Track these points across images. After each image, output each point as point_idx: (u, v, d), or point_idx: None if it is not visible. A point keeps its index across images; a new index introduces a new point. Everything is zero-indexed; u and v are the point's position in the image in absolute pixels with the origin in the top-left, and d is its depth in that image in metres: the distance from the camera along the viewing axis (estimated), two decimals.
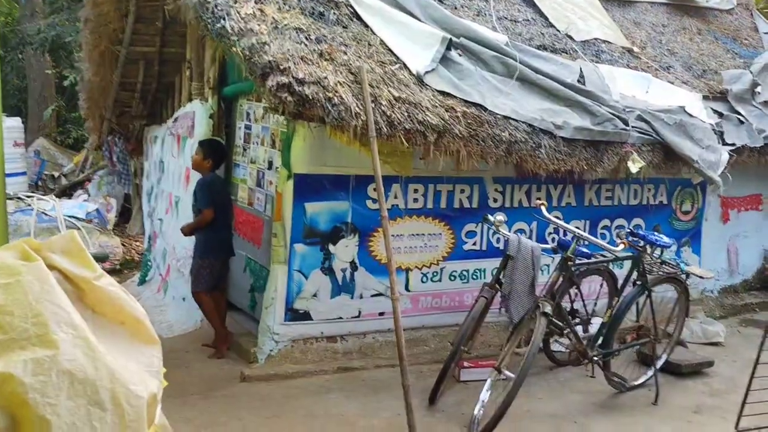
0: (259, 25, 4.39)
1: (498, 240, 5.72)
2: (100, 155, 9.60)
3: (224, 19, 4.36)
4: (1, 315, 1.66)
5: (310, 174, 4.90)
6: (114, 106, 7.79)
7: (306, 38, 4.52)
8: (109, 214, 10.78)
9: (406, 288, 5.43)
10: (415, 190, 5.35)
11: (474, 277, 5.70)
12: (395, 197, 5.26)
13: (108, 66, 7.01)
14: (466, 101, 4.91)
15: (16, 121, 11.64)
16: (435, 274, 5.55)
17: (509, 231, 5.55)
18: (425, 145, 4.52)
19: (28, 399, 1.56)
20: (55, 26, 12.06)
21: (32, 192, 11.86)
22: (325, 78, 4.24)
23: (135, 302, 1.93)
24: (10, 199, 10.69)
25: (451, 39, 5.21)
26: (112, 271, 9.11)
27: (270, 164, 5.56)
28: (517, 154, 4.98)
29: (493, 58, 5.45)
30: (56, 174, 13.45)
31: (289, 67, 4.13)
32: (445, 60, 5.11)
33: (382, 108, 4.36)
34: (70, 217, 10.10)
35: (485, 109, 4.96)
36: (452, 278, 5.63)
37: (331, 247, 5.07)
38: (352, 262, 5.17)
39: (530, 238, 5.69)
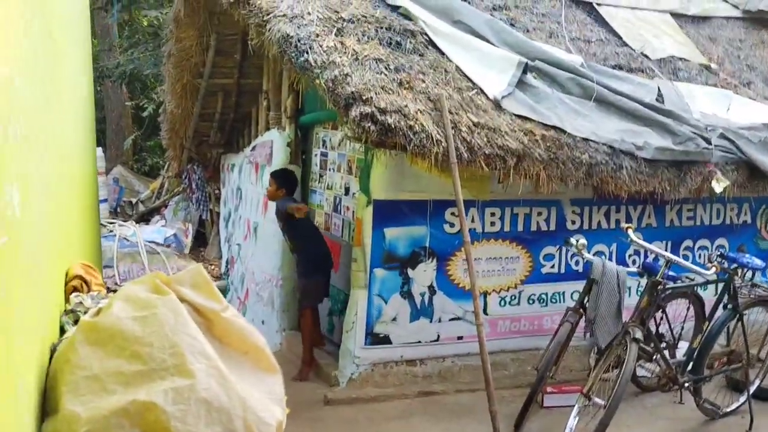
0: (340, 57, 4.52)
1: (577, 262, 5.65)
2: (175, 182, 9.96)
3: (307, 52, 4.51)
4: (140, 346, 1.77)
5: (389, 200, 4.98)
6: (193, 136, 8.10)
7: (385, 68, 4.62)
8: (186, 239, 11.18)
9: (485, 311, 5.41)
10: (492, 214, 5.35)
11: (553, 300, 5.65)
12: (472, 221, 5.27)
13: (189, 98, 7.32)
14: (544, 124, 4.90)
15: (98, 152, 12.20)
16: (513, 297, 5.53)
17: (589, 254, 5.50)
18: (505, 169, 4.53)
19: (171, 427, 1.66)
20: (134, 60, 12.64)
21: (112, 218, 12.41)
22: (406, 106, 4.32)
23: (257, 332, 2.03)
24: None
25: (526, 63, 5.22)
26: None
27: (347, 190, 5.68)
28: (598, 176, 4.94)
29: (569, 80, 5.43)
30: (134, 200, 14.02)
31: (371, 97, 4.24)
32: (521, 84, 5.13)
33: (462, 134, 4.41)
34: (149, 242, 10.53)
35: (564, 132, 4.94)
36: (531, 302, 5.59)
37: (409, 272, 5.12)
38: (431, 287, 5.21)
39: (610, 260, 5.60)
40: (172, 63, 6.96)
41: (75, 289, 2.59)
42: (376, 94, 4.31)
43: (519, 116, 4.89)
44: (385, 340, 5.13)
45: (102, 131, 16.28)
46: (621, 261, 5.72)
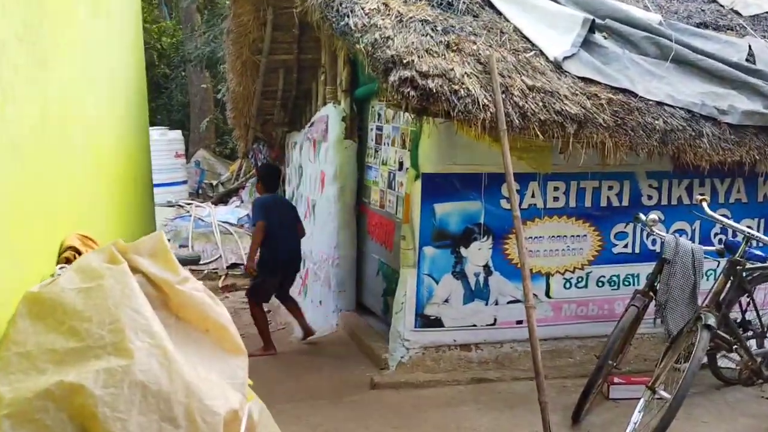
0: (383, 19, 4.22)
1: (654, 242, 5.11)
2: (251, 163, 9.99)
3: (348, 16, 4.24)
4: (79, 321, 1.57)
5: (438, 173, 4.65)
6: (257, 115, 8.03)
7: (432, 30, 4.29)
8: None
9: (547, 294, 5.01)
10: (555, 188, 4.91)
11: (626, 283, 5.15)
12: (533, 196, 4.86)
13: (250, 75, 7.23)
14: (612, 87, 4.43)
15: (177, 134, 12.49)
16: (580, 279, 5.08)
17: (666, 232, 4.97)
18: (564, 137, 4.11)
19: (98, 413, 1.45)
20: (210, 42, 12.80)
21: (192, 200, 12.69)
22: (451, 70, 3.97)
23: (221, 308, 1.80)
24: (171, 206, 11.48)
25: (594, 20, 4.73)
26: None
27: (401, 165, 5.39)
28: (674, 145, 4.41)
29: (644, 40, 4.90)
30: (214, 182, 14.30)
31: (413, 61, 3.92)
32: (587, 44, 4.65)
33: (514, 98, 4.02)
34: (223, 222, 10.66)
35: (635, 95, 4.44)
36: (600, 284, 5.12)
37: (462, 250, 4.78)
38: (486, 266, 4.85)
39: (692, 239, 5.04)
40: (231, 40, 6.88)
41: (68, 261, 2.45)
42: (418, 57, 3.98)
43: (583, 79, 4.44)
44: (437, 323, 4.83)
45: (187, 115, 16.73)
46: (705, 240, 5.14)
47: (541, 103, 4.05)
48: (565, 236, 4.99)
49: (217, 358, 1.72)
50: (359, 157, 6.22)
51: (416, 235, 4.71)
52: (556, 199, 4.93)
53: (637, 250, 5.16)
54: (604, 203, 5.03)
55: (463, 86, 3.89)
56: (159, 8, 18.44)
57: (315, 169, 6.74)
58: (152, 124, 14.66)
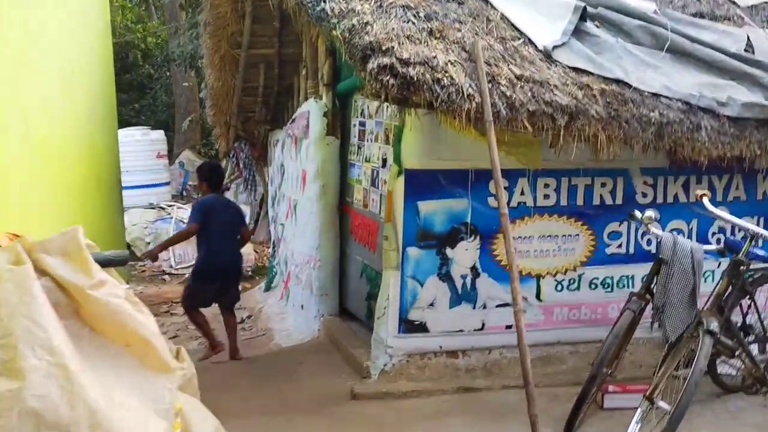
0: (362, 4, 3.96)
1: (649, 242, 4.86)
2: (232, 163, 9.70)
3: (325, 0, 3.97)
4: None
5: (423, 169, 4.39)
6: (238, 112, 7.75)
7: (414, 16, 4.02)
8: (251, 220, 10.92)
9: (538, 297, 4.75)
10: (546, 185, 4.66)
11: (620, 285, 4.90)
12: (522, 193, 4.60)
13: (229, 70, 6.95)
14: (604, 78, 4.17)
15: (159, 134, 12.19)
16: (572, 281, 4.82)
17: (662, 231, 4.72)
18: (554, 130, 3.85)
19: None
20: (193, 40, 12.51)
21: (175, 201, 12.38)
22: (434, 57, 3.71)
23: (147, 317, 1.51)
24: (152, 208, 11.17)
25: (585, 8, 4.48)
26: (243, 278, 9.18)
27: (384, 162, 5.12)
28: (671, 138, 4.16)
29: (638, 28, 4.65)
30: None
31: (393, 47, 3.65)
32: (578, 32, 4.40)
33: (501, 88, 3.75)
34: None
35: (629, 86, 4.19)
36: (593, 286, 4.86)
37: (448, 251, 4.51)
38: (473, 268, 4.58)
39: (689, 238, 4.80)
40: (208, 33, 6.60)
41: None
42: (399, 44, 3.71)
43: (574, 69, 4.18)
44: (422, 328, 4.56)
45: (171, 116, 16.41)
46: (702, 239, 4.89)
47: (529, 94, 3.79)
48: (557, 236, 4.73)
49: (140, 378, 1.45)
50: (342, 155, 5.95)
51: (399, 235, 4.44)
52: (546, 196, 4.67)
53: (631, 251, 4.91)
54: (597, 201, 4.77)
55: (447, 75, 3.62)
56: (146, 9, 18.13)
57: (296, 168, 6.46)
58: (136, 124, 14.38)
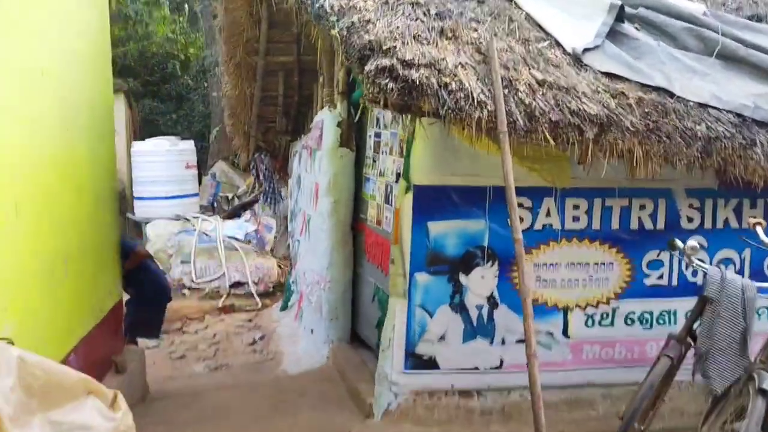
0: (365, 1, 3.53)
1: (695, 273, 4.29)
2: (251, 175, 9.39)
3: None
4: None
5: (434, 186, 3.92)
6: (258, 122, 7.40)
7: (424, 14, 3.58)
8: (269, 235, 10.60)
9: (565, 333, 4.21)
10: (575, 206, 4.13)
11: (660, 321, 4.33)
12: (548, 215, 4.09)
13: (246, 78, 6.61)
14: (643, 85, 3.65)
15: (188, 144, 11.98)
16: (605, 315, 4.27)
17: (709, 262, 4.15)
18: (581, 143, 3.33)
19: None
20: None
21: (204, 213, 12.14)
22: (443, 59, 3.25)
23: None
24: (177, 219, 10.93)
25: (622, 7, 3.97)
26: (265, 294, 8.81)
27: (398, 176, 4.66)
28: (720, 155, 3.60)
29: (684, 31, 4.11)
30: (230, 195, 13.76)
31: (395, 47, 3.21)
32: (614, 34, 3.89)
33: (520, 95, 3.27)
34: (229, 237, 10.05)
35: (672, 95, 3.66)
36: (629, 322, 4.30)
37: (462, 278, 4.02)
38: (491, 298, 4.08)
39: (741, 272, 4.21)
40: (223, 38, 6.29)
41: None
42: (403, 43, 3.27)
43: (607, 74, 3.67)
44: (431, 364, 4.07)
45: (207, 126, 16.28)
46: (757, 274, 4.28)
47: (552, 101, 3.30)
48: (587, 264, 4.19)
49: None
50: (358, 168, 5.52)
51: (406, 258, 3.98)
52: (576, 219, 4.15)
53: (674, 282, 4.34)
54: (634, 225, 4.22)
55: (456, 78, 3.16)
56: (190, 20, 18.06)
57: (310, 181, 6.07)
58: (172, 134, 14.27)
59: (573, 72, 3.56)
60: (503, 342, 4.11)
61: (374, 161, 5.21)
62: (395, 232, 4.09)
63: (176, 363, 6.35)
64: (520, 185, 3.94)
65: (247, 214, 11.84)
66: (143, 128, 15.27)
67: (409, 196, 3.93)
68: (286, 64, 6.58)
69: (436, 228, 3.96)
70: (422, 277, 3.99)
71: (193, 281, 9.44)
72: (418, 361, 4.05)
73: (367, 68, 3.11)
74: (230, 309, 8.31)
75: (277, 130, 7.54)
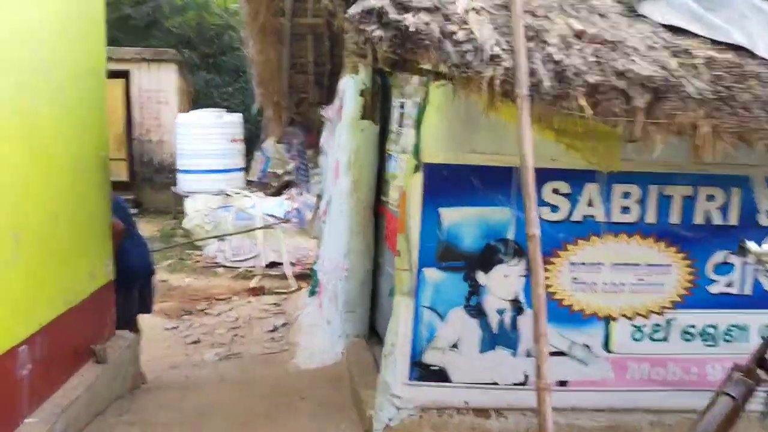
0: None
1: None
2: (284, 150, 8.88)
3: None
4: None
5: (448, 164, 3.25)
6: (290, 93, 6.85)
7: None
8: (310, 213, 10.11)
9: (606, 347, 3.50)
10: (625, 194, 3.39)
11: (727, 338, 3.55)
12: (589, 204, 3.37)
13: (271, 42, 6.06)
14: (715, 42, 2.85)
15: (235, 117, 11.60)
16: (657, 328, 3.52)
17: None
18: (628, 113, 2.59)
19: None
20: None
21: (250, 189, 11.77)
22: (451, 2, 2.56)
23: None
24: (217, 194, 10.59)
25: None
26: (302, 276, 8.33)
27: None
28: None
29: None
30: (279, 171, 13.36)
31: None
32: None
33: (548, 49, 2.56)
34: (268, 215, 9.63)
35: (754, 56, 2.85)
36: (687, 337, 3.54)
37: (480, 276, 3.35)
38: (515, 301, 3.40)
39: None
40: None
41: None
42: None
43: (670, 28, 2.89)
44: (441, 376, 3.44)
45: None
46: None
47: (593, 58, 2.56)
48: (638, 265, 3.45)
49: None
50: (382, 144, 4.89)
51: (414, 250, 3.34)
52: (625, 209, 3.40)
53: (747, 291, 3.55)
54: (699, 220, 3.44)
55: (465, 26, 2.48)
56: None
57: (332, 157, 5.47)
58: (227, 108, 13.97)
59: (624, 23, 2.81)
60: (529, 354, 3.43)
61: (398, 136, 4.56)
62: (401, 219, 3.45)
63: (188, 348, 5.94)
64: (556, 166, 3.28)
65: (289, 192, 11.41)
66: (198, 100, 15.05)
67: (418, 176, 3.28)
68: (316, 27, 5.99)
69: (451, 216, 3.29)
70: (432, 274, 3.34)
71: (227, 259, 9.08)
72: (425, 372, 3.42)
73: (350, 11, 2.46)
74: (260, 291, 7.88)
75: (310, 102, 6.97)
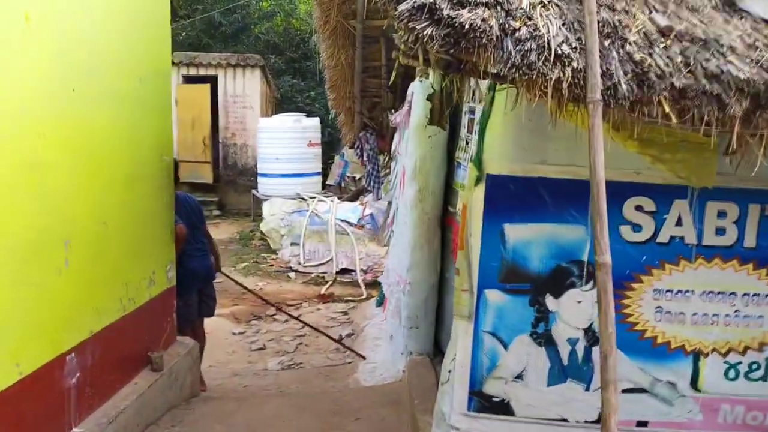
0: None
1: None
2: (356, 154, 8.69)
3: None
4: None
5: (515, 176, 2.94)
6: (362, 96, 6.67)
7: None
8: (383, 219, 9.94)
9: (694, 386, 3.08)
10: (721, 213, 2.97)
11: None
12: (678, 223, 2.97)
13: (342, 46, 5.89)
14: None
15: (313, 122, 11.60)
16: (755, 366, 3.08)
17: None
18: (722, 122, 2.21)
19: None
20: None
21: (327, 193, 11.74)
22: None
23: None
24: (293, 198, 10.58)
25: None
26: (373, 284, 8.16)
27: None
28: None
29: None
30: (357, 176, 13.28)
31: None
32: None
33: (628, 48, 2.21)
34: (342, 220, 9.52)
35: None
36: None
37: (549, 302, 3.02)
38: (589, 330, 3.04)
39: None
40: (317, 0, 5.59)
41: None
42: None
43: None
44: (503, 409, 3.12)
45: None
46: None
47: (679, 59, 2.20)
48: (734, 294, 3.02)
49: None
50: (451, 151, 4.62)
51: (474, 269, 3.04)
52: (720, 231, 2.98)
53: None
54: None
55: (529, 22, 2.18)
56: None
57: (400, 164, 5.24)
58: (310, 112, 14.05)
59: (720, 19, 2.42)
60: None
61: (467, 143, 4.27)
62: (460, 235, 3.16)
63: (253, 355, 5.86)
64: (639, 180, 2.92)
65: (364, 197, 11.28)
66: (282, 105, 15.21)
67: (481, 188, 2.98)
68: (387, 29, 5.76)
69: (516, 233, 2.98)
70: (494, 296, 3.04)
71: (300, 264, 9.03)
72: (485, 403, 3.12)
73: (400, 8, 2.22)
74: (329, 298, 7.75)
75: (383, 106, 6.77)
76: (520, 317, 3.05)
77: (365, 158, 7.36)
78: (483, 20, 2.15)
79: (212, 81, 12.93)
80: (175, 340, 4.44)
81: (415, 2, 2.18)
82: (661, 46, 2.22)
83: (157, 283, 4.11)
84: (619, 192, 2.92)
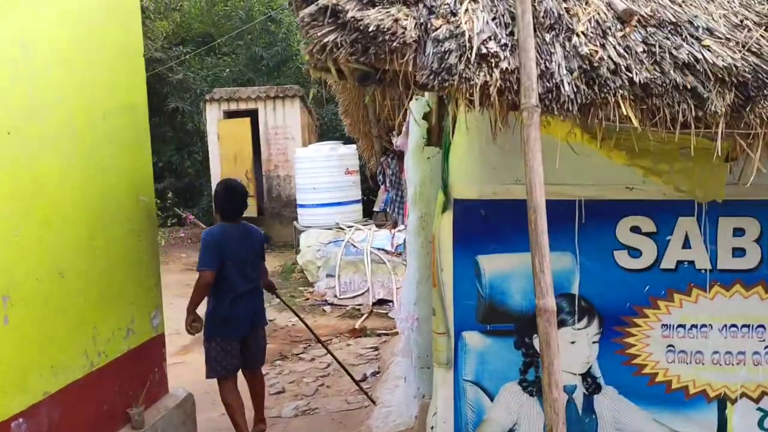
0: None
1: None
2: (378, 180, 8.36)
3: None
4: None
5: (485, 200, 2.55)
6: (378, 121, 6.37)
7: None
8: None
9: None
10: (737, 231, 2.48)
11: None
12: (684, 245, 2.50)
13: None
14: None
15: (350, 149, 11.34)
16: None
17: None
18: (705, 123, 1.77)
19: None
20: None
21: (359, 221, 11.42)
22: None
23: None
24: (329, 229, 10.32)
25: None
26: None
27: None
28: None
29: None
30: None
31: None
32: None
33: (575, 40, 1.81)
34: (377, 249, 9.18)
35: None
36: None
37: (538, 342, 2.59)
38: (588, 375, 2.59)
39: None
40: None
41: None
42: None
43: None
44: None
45: None
46: None
47: (641, 48, 1.78)
48: (762, 326, 2.51)
49: None
50: (447, 173, 4.22)
51: (449, 309, 2.65)
52: (738, 252, 2.49)
53: None
54: None
55: (452, 19, 1.81)
56: None
57: (407, 190, 4.88)
58: (349, 139, 13.91)
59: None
60: None
61: None
62: (433, 270, 2.78)
63: (270, 399, 5.54)
64: (633, 198, 2.48)
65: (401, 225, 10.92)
66: (324, 135, 15.11)
67: (449, 216, 2.60)
68: None
69: (493, 264, 2.58)
70: (474, 339, 2.63)
71: (336, 296, 8.73)
72: None
73: (301, 13, 1.89)
74: (361, 333, 7.39)
75: (401, 129, 6.43)
76: (505, 362, 2.63)
77: (387, 184, 7.02)
78: (395, 21, 1.80)
79: (253, 115, 12.95)
80: (166, 393, 4.16)
81: (317, 5, 1.86)
82: (618, 35, 1.81)
83: (137, 332, 3.85)
84: (609, 212, 2.49)
